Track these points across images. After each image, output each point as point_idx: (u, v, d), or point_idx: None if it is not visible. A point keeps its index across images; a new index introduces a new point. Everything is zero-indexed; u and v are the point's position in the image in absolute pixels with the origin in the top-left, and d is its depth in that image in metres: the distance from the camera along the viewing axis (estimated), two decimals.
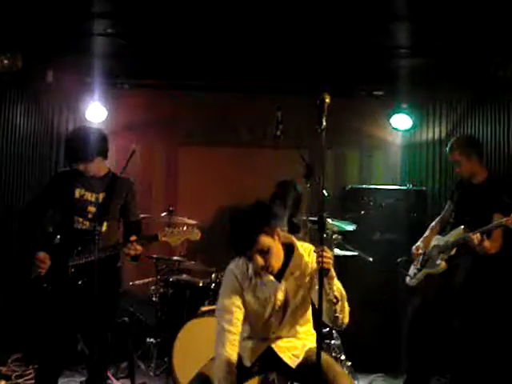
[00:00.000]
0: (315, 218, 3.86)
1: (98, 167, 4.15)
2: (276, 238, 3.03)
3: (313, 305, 3.22)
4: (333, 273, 2.87)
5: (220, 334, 3.07)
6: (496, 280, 4.65)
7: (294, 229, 5.42)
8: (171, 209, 5.39)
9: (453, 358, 4.62)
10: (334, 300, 2.88)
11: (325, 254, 2.75)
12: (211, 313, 4.61)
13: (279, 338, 3.19)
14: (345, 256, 5.17)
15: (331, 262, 2.78)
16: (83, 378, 4.74)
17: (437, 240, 4.73)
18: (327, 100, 2.76)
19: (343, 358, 5.04)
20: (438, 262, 4.54)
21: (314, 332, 3.27)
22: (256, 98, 6.34)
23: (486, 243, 4.20)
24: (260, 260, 2.97)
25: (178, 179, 6.54)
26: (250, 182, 6.19)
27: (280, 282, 3.10)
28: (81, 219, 4.09)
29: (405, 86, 6.02)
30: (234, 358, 3.01)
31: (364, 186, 6.20)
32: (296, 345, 3.18)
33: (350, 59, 5.66)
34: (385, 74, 6.01)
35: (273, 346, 3.17)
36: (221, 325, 3.08)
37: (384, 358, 5.54)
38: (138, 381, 5.02)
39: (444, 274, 4.55)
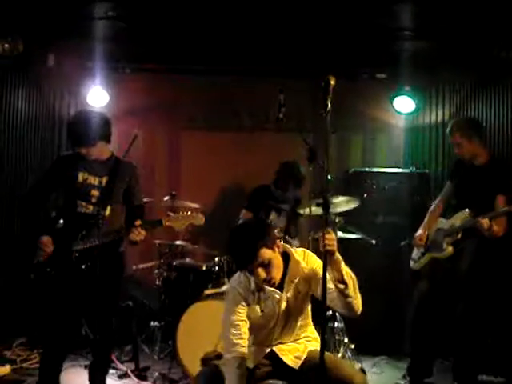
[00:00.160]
0: (319, 201, 3.85)
1: (100, 151, 4.14)
2: (276, 249, 3.04)
3: (312, 302, 3.23)
4: (339, 256, 2.86)
5: (230, 348, 3.06)
6: (501, 263, 4.66)
7: (295, 214, 5.45)
8: (174, 193, 5.39)
9: (456, 342, 4.63)
10: (343, 286, 2.86)
11: (329, 236, 2.74)
12: (215, 296, 4.65)
13: (281, 343, 3.21)
14: (348, 239, 5.17)
15: (335, 244, 2.77)
16: (87, 362, 4.76)
17: (441, 223, 4.72)
18: (332, 82, 2.73)
19: (346, 340, 5.07)
20: (445, 246, 4.54)
21: (316, 336, 3.28)
22: (258, 82, 6.31)
23: (495, 227, 4.22)
24: (262, 273, 2.98)
25: (181, 163, 6.53)
26: (252, 166, 6.18)
27: (282, 292, 3.11)
28: (84, 203, 4.09)
29: (408, 69, 5.97)
30: (244, 371, 3.02)
31: (367, 169, 6.18)
32: (298, 347, 3.20)
33: (353, 42, 5.62)
34: (388, 57, 5.98)
35: (275, 349, 3.18)
36: (229, 339, 3.07)
37: (387, 340, 5.56)
38: (142, 364, 5.04)
39: (449, 258, 4.55)
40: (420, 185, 5.92)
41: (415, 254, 4.86)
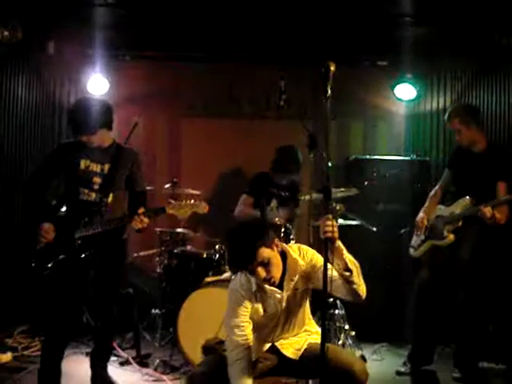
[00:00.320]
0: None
1: (102, 138, 4.12)
2: (274, 248, 3.04)
3: (313, 292, 3.23)
4: (341, 245, 2.86)
5: (237, 350, 3.05)
6: (502, 251, 4.66)
7: (295, 201, 5.45)
8: (175, 180, 5.39)
9: (457, 329, 4.64)
10: (348, 274, 2.87)
11: (329, 222, 2.74)
12: (215, 283, 4.66)
13: (282, 338, 3.23)
14: (348, 225, 5.17)
15: (336, 231, 2.76)
16: (89, 349, 4.78)
17: (440, 210, 4.72)
18: (332, 68, 2.72)
19: (347, 327, 5.09)
20: (445, 234, 4.54)
21: (317, 330, 3.29)
22: (258, 69, 6.29)
23: (498, 215, 4.22)
24: (262, 272, 2.98)
25: (181, 151, 6.52)
26: (252, 153, 6.17)
27: (282, 291, 3.11)
28: (86, 190, 4.08)
29: (409, 56, 5.94)
30: (250, 372, 3.03)
31: (368, 156, 6.17)
32: (298, 341, 3.22)
33: (354, 28, 5.60)
34: (389, 44, 5.95)
35: (276, 344, 3.20)
36: (235, 341, 3.07)
37: (388, 327, 5.57)
38: (143, 351, 5.06)
39: (449, 246, 4.55)
40: (421, 172, 5.91)
41: (414, 241, 4.86)
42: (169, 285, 5.35)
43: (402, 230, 5.20)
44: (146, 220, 3.98)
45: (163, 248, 5.41)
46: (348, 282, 2.89)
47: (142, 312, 5.48)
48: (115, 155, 4.16)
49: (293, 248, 3.19)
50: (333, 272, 2.83)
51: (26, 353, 5.04)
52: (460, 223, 4.49)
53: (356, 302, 2.98)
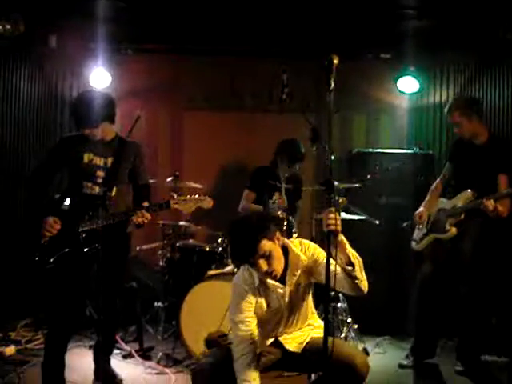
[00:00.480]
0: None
1: (104, 132, 4.12)
2: (276, 241, 3.05)
3: (316, 286, 3.24)
4: (344, 238, 2.85)
5: (242, 345, 3.05)
6: (504, 244, 4.66)
7: (297, 193, 5.45)
8: (177, 173, 5.38)
9: (460, 322, 4.64)
10: (350, 268, 2.86)
11: (332, 215, 2.73)
12: (218, 276, 4.66)
13: (285, 333, 3.23)
14: (351, 220, 5.17)
15: (339, 223, 2.75)
16: (92, 343, 4.79)
17: (442, 203, 4.71)
18: (335, 61, 2.70)
19: (349, 320, 5.10)
20: (448, 227, 4.53)
21: (320, 324, 3.29)
22: (260, 62, 6.28)
23: (500, 208, 4.21)
24: (264, 265, 2.98)
25: (183, 144, 6.51)
26: (255, 147, 6.17)
27: (284, 285, 3.12)
28: (90, 184, 4.08)
29: (412, 49, 5.93)
30: (256, 367, 3.03)
31: (370, 149, 6.16)
32: (301, 335, 3.23)
33: (357, 21, 5.58)
34: (392, 37, 5.94)
35: (279, 338, 3.21)
36: (240, 336, 3.08)
37: (390, 320, 5.58)
38: (146, 344, 5.07)
39: (452, 239, 4.55)
40: (424, 165, 5.90)
41: (416, 234, 4.85)
42: (171, 278, 5.36)
43: (404, 224, 5.19)
44: (147, 215, 3.97)
45: (166, 241, 5.42)
46: (350, 276, 2.89)
47: (144, 305, 5.50)
48: (118, 149, 4.16)
49: (294, 243, 3.19)
50: (335, 266, 2.82)
51: (29, 346, 5.05)
52: (462, 216, 4.48)
53: (357, 296, 2.98)
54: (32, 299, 5.54)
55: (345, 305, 5.15)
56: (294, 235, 4.80)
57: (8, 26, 5.16)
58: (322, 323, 3.25)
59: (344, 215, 5.04)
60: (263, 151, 5.62)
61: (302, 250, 3.15)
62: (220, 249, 5.13)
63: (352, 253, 2.89)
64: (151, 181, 4.65)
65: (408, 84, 6.12)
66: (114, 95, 4.32)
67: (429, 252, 4.74)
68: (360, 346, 5.03)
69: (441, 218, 4.63)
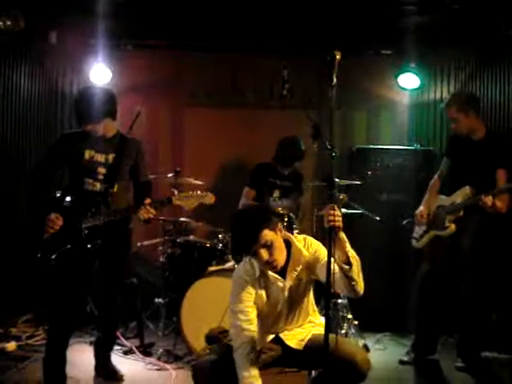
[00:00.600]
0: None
1: (106, 128, 4.12)
2: (278, 232, 3.06)
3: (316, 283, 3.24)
4: (344, 236, 2.85)
5: (241, 335, 3.06)
6: (504, 240, 4.66)
7: (299, 190, 5.44)
8: (178, 169, 5.38)
9: (460, 319, 4.64)
10: (347, 267, 2.85)
11: (334, 212, 2.72)
12: (219, 272, 4.67)
13: (286, 330, 3.23)
14: (352, 215, 5.17)
15: (340, 220, 2.75)
16: (93, 339, 4.79)
17: (441, 200, 4.70)
18: (338, 56, 2.70)
19: (350, 316, 5.10)
20: (447, 224, 4.53)
21: (321, 321, 3.28)
22: (261, 58, 6.27)
23: (499, 204, 4.20)
24: (265, 254, 2.99)
25: (184, 140, 6.51)
26: (256, 143, 6.16)
27: (285, 279, 3.12)
28: (91, 181, 4.08)
29: (413, 46, 5.93)
30: (255, 357, 3.03)
31: (371, 146, 6.16)
32: (302, 332, 3.23)
33: (358, 17, 5.58)
34: (393, 33, 5.92)
35: (280, 334, 3.20)
36: (239, 325, 3.08)
37: (391, 317, 5.58)
38: (146, 340, 5.08)
39: (451, 236, 4.54)
40: (424, 162, 5.89)
41: (416, 232, 4.85)
42: (172, 274, 5.35)
43: (404, 222, 5.20)
44: (152, 210, 3.99)
45: (166, 237, 5.41)
46: (346, 276, 2.86)
47: (145, 301, 5.50)
48: (119, 145, 4.16)
49: (298, 238, 3.19)
50: (334, 265, 2.82)
51: (30, 342, 5.06)
52: (461, 213, 4.48)
53: (352, 297, 2.98)
54: (33, 295, 5.55)
55: (345, 301, 5.15)
56: (295, 231, 4.80)
57: (8, 22, 5.16)
58: (323, 321, 3.24)
59: (345, 211, 5.04)
60: (265, 147, 5.62)
61: (305, 245, 3.16)
62: (221, 245, 5.13)
63: (351, 252, 2.88)
64: (152, 177, 4.65)
65: (409, 80, 6.11)
66: (115, 91, 4.31)
67: (429, 249, 4.74)
68: (360, 342, 5.03)
69: (440, 215, 4.63)
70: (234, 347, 3.06)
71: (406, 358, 4.78)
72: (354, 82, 6.15)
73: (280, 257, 3.05)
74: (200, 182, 5.33)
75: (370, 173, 5.87)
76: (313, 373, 3.34)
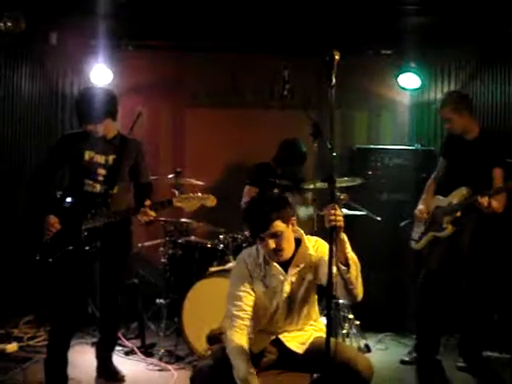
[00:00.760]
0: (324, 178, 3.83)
1: (107, 128, 4.12)
2: (290, 226, 3.08)
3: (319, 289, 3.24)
4: (345, 237, 2.85)
5: (230, 320, 3.09)
6: (501, 238, 4.65)
7: (300, 192, 5.44)
8: (179, 170, 5.38)
9: (461, 318, 4.64)
10: (345, 269, 2.83)
11: (334, 211, 2.72)
12: (220, 273, 4.66)
13: (286, 331, 3.21)
14: (353, 216, 5.16)
15: (342, 219, 2.74)
16: (94, 339, 4.80)
17: (438, 201, 4.69)
18: (337, 56, 2.70)
19: (351, 317, 5.09)
20: (445, 225, 4.52)
21: (322, 327, 3.26)
22: (262, 59, 6.27)
23: (495, 204, 4.18)
24: (272, 244, 3.02)
25: (185, 141, 6.51)
26: (256, 143, 6.16)
27: (287, 273, 3.13)
28: (91, 182, 4.09)
29: (413, 45, 5.92)
30: (244, 342, 3.02)
31: (372, 146, 6.16)
32: (303, 335, 3.21)
33: (358, 17, 5.57)
34: (393, 33, 5.92)
35: (280, 336, 3.19)
36: (230, 311, 3.10)
37: (392, 317, 5.58)
38: (148, 341, 5.09)
39: (449, 237, 4.53)
40: (425, 162, 5.89)
41: (415, 233, 4.83)
42: (173, 275, 5.35)
43: (402, 223, 5.21)
44: (152, 213, 3.99)
45: (167, 238, 5.41)
46: (343, 278, 2.85)
47: (146, 302, 5.49)
48: (120, 146, 4.16)
49: (310, 239, 3.21)
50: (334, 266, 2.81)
51: (31, 343, 5.06)
52: (458, 214, 4.46)
53: (350, 302, 2.98)
54: (34, 296, 5.55)
55: (346, 301, 5.15)
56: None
57: (9, 24, 5.16)
58: (325, 326, 3.23)
59: (345, 211, 5.04)
60: (265, 148, 5.62)
61: (314, 246, 3.17)
62: (222, 245, 5.13)
63: (351, 254, 2.87)
64: (153, 177, 4.65)
65: (409, 80, 6.11)
66: (116, 92, 4.31)
67: (428, 250, 4.73)
68: (362, 343, 5.03)
69: (438, 216, 4.62)
70: (225, 329, 3.08)
71: (407, 358, 4.78)
72: (354, 81, 6.15)
73: (287, 248, 3.08)
74: (201, 183, 5.33)
75: (370, 173, 5.88)
76: (314, 374, 3.34)
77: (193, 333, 4.58)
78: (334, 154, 2.76)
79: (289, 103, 4.97)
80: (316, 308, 3.32)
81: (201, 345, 4.13)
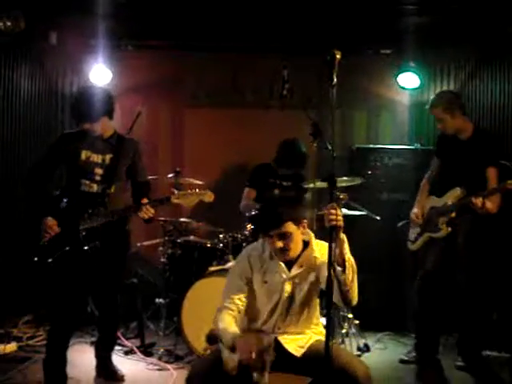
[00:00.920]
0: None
1: (104, 127, 4.12)
2: (300, 228, 3.10)
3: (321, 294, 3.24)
4: (344, 238, 2.85)
5: (220, 311, 3.16)
6: (495, 237, 4.64)
7: (300, 190, 5.44)
8: (178, 170, 5.37)
9: (460, 317, 4.64)
10: (340, 269, 2.83)
11: (334, 211, 2.72)
12: (219, 273, 4.66)
13: (285, 333, 3.20)
14: (353, 216, 5.16)
15: (341, 219, 2.74)
16: (94, 339, 4.80)
17: (433, 201, 4.68)
18: (338, 56, 2.70)
19: (350, 316, 5.10)
20: (440, 226, 4.51)
21: (322, 330, 3.25)
22: (261, 58, 6.28)
23: (489, 205, 4.17)
24: (279, 243, 3.04)
25: (184, 141, 6.52)
26: (256, 143, 6.16)
27: (290, 272, 3.13)
28: (87, 182, 4.08)
29: (413, 45, 5.92)
30: (231, 321, 3.08)
31: (371, 145, 6.17)
32: (302, 338, 3.19)
33: (357, 17, 5.57)
34: (392, 33, 5.92)
35: (279, 338, 3.17)
36: (222, 303, 3.16)
37: (391, 316, 5.59)
38: (147, 340, 5.09)
39: (445, 237, 4.53)
40: (425, 161, 5.87)
41: (411, 234, 4.83)
42: (173, 274, 5.35)
43: (399, 224, 5.21)
44: (151, 210, 4.00)
45: (167, 238, 5.41)
46: (338, 279, 2.85)
47: (145, 301, 5.50)
48: (117, 145, 4.16)
49: (318, 243, 3.21)
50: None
51: (30, 342, 5.06)
52: (453, 214, 4.45)
53: (345, 306, 2.97)
54: (33, 296, 5.54)
55: (341, 305, 5.14)
56: None
57: (8, 23, 5.15)
58: (324, 330, 3.21)
59: (345, 211, 5.04)
60: (265, 147, 5.62)
61: (320, 250, 3.18)
62: (221, 245, 5.13)
63: (348, 256, 2.88)
64: (152, 177, 4.65)
65: (408, 80, 6.11)
66: (115, 92, 4.33)
67: (424, 251, 4.73)
68: (361, 342, 5.04)
69: (433, 217, 4.61)
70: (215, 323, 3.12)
71: (406, 358, 4.79)
72: (353, 81, 6.15)
73: (293, 249, 3.09)
74: (200, 182, 5.33)
75: (370, 172, 5.88)
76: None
77: (192, 332, 4.58)
78: (334, 153, 2.76)
79: (288, 103, 4.97)
80: (317, 312, 3.31)
81: (200, 344, 4.13)
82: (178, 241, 5.37)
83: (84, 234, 3.98)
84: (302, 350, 3.12)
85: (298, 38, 6.06)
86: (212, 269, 4.85)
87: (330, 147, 2.77)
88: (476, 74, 5.91)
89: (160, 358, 4.75)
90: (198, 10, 5.50)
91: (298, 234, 3.08)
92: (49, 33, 5.92)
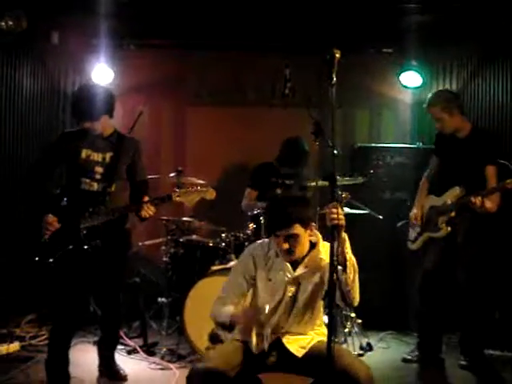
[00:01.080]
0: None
1: (104, 126, 4.12)
2: (308, 231, 3.09)
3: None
4: (346, 237, 2.85)
5: (215, 302, 3.22)
6: (495, 235, 4.63)
7: (301, 190, 5.43)
8: (180, 169, 5.37)
9: (462, 316, 4.64)
10: (341, 268, 2.83)
11: (336, 210, 2.72)
12: (222, 272, 4.65)
13: (288, 333, 3.19)
14: (355, 215, 5.16)
15: (343, 218, 2.75)
16: (96, 338, 4.80)
17: (432, 200, 4.67)
18: (337, 55, 2.70)
19: (353, 315, 5.09)
20: (440, 225, 4.50)
21: (324, 331, 3.23)
22: (264, 57, 6.28)
23: (488, 204, 4.17)
24: (285, 245, 3.04)
25: (187, 140, 6.52)
26: (258, 142, 6.16)
27: (295, 271, 3.13)
28: (88, 180, 4.08)
29: (414, 44, 5.92)
30: (226, 306, 3.16)
31: (373, 144, 6.16)
32: (304, 339, 3.18)
33: (359, 16, 5.57)
34: (394, 32, 5.92)
35: (281, 338, 3.16)
36: (219, 294, 3.23)
37: (394, 315, 5.58)
38: (150, 340, 5.09)
39: (444, 237, 4.52)
40: (427, 160, 5.85)
41: (411, 234, 4.82)
42: (175, 274, 5.35)
43: (399, 224, 5.21)
44: (152, 208, 4.00)
45: (169, 237, 5.41)
46: (338, 279, 2.84)
47: (148, 301, 5.51)
48: (117, 144, 4.16)
49: (325, 244, 3.19)
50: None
51: (33, 342, 5.07)
52: (453, 214, 4.44)
53: (346, 306, 2.97)
54: (36, 295, 5.55)
55: (342, 305, 5.13)
56: None
57: (10, 23, 5.16)
58: (326, 331, 3.21)
59: (347, 210, 5.04)
60: (267, 146, 5.63)
61: (327, 251, 3.12)
62: (223, 244, 5.13)
63: (350, 256, 2.89)
64: (154, 176, 4.65)
65: (411, 78, 6.10)
66: (117, 91, 4.32)
67: (424, 251, 4.72)
68: (364, 341, 5.03)
69: (432, 216, 4.60)
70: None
71: (409, 357, 4.78)
72: (355, 80, 6.15)
73: (299, 250, 3.09)
74: (202, 182, 5.32)
75: (372, 171, 5.87)
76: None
77: (195, 331, 4.58)
78: (336, 152, 2.76)
79: (290, 101, 4.96)
80: (321, 314, 3.29)
81: (203, 343, 4.12)
82: (181, 240, 5.37)
83: (85, 232, 3.97)
84: (304, 351, 3.12)
85: (300, 36, 6.05)
86: (214, 268, 4.85)
87: (331, 146, 2.77)
88: (478, 73, 5.89)
89: (163, 358, 4.75)
90: (200, 9, 5.50)
91: (305, 236, 3.08)
92: (51, 32, 5.92)
